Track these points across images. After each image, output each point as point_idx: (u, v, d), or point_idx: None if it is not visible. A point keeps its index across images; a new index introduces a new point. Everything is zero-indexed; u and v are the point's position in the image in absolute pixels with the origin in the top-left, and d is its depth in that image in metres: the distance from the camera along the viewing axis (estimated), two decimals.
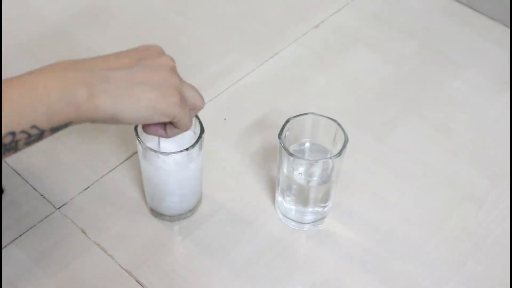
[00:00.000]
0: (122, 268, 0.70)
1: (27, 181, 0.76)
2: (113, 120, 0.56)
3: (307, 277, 0.71)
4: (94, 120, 0.55)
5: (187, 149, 0.66)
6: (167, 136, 0.63)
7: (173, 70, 0.60)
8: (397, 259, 0.72)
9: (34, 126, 0.51)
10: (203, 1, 1.01)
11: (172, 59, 0.61)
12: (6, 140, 0.50)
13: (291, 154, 0.67)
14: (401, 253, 0.72)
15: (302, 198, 0.71)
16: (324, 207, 0.73)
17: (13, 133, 0.50)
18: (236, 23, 0.98)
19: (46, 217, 0.74)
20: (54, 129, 0.53)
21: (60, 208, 0.74)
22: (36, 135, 0.52)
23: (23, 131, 0.51)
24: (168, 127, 0.62)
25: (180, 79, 0.60)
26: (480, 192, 0.78)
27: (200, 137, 0.67)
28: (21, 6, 0.98)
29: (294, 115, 0.70)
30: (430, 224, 0.75)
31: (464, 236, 0.74)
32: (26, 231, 0.72)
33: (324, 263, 0.71)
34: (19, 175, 0.77)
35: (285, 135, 0.69)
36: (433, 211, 0.76)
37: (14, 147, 0.52)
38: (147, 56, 0.59)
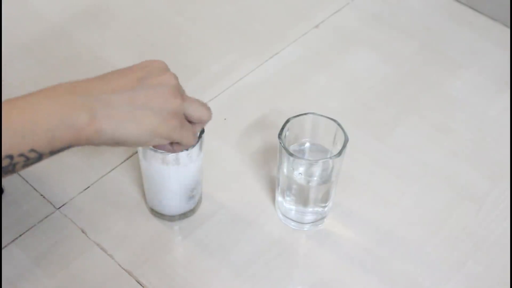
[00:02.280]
0: (122, 268, 0.70)
1: (27, 181, 0.76)
2: (114, 144, 0.56)
3: (307, 277, 0.71)
4: (94, 144, 0.55)
5: (187, 149, 0.66)
6: (173, 151, 0.64)
7: (175, 89, 0.59)
8: (397, 259, 0.72)
9: (33, 150, 0.51)
10: (203, 1, 1.01)
11: (175, 77, 0.60)
12: (4, 163, 0.50)
13: (291, 154, 0.67)
14: (401, 253, 0.72)
15: (302, 198, 0.71)
16: (324, 207, 0.73)
17: (11, 157, 0.50)
18: (236, 23, 0.98)
19: (46, 217, 0.74)
20: (53, 152, 0.53)
21: (60, 208, 0.74)
22: (34, 158, 0.52)
23: (21, 155, 0.51)
24: (174, 144, 0.62)
25: (183, 97, 0.60)
26: (480, 192, 0.78)
27: (200, 137, 0.67)
28: (21, 6, 0.98)
29: (294, 115, 0.70)
30: (430, 224, 0.75)
31: (464, 236, 0.74)
32: (26, 231, 0.72)
33: (324, 263, 0.71)
34: (19, 175, 0.77)
35: (285, 135, 0.69)
36: (433, 211, 0.76)
37: (12, 170, 0.52)
38: (149, 74, 0.58)
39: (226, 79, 0.89)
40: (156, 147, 0.64)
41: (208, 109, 0.63)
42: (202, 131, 0.67)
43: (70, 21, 0.96)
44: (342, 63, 0.92)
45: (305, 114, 0.70)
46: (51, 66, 0.89)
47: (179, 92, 0.60)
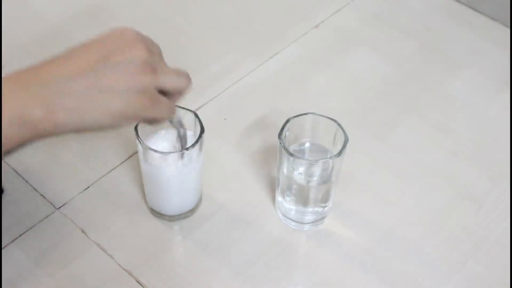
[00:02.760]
0: (122, 268, 0.70)
1: (27, 181, 0.76)
2: (78, 132, 0.52)
3: (307, 277, 0.71)
4: (56, 135, 0.51)
5: (187, 149, 0.66)
6: (150, 125, 0.59)
7: (145, 64, 0.53)
8: (397, 259, 0.72)
9: None
10: (203, 1, 1.01)
11: (146, 49, 0.54)
12: None
13: (291, 154, 0.67)
14: (401, 253, 0.72)
15: (302, 198, 0.71)
16: (324, 207, 0.73)
17: None
18: (236, 23, 0.98)
19: (46, 217, 0.73)
20: (11, 150, 0.50)
21: (60, 208, 0.74)
22: None
23: None
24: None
25: (155, 71, 0.54)
26: (480, 192, 0.78)
27: (200, 137, 0.67)
28: (21, 6, 0.98)
29: (294, 115, 0.70)
30: (430, 224, 0.75)
31: (464, 236, 0.74)
32: (26, 231, 0.72)
33: (324, 263, 0.71)
34: (19, 175, 0.77)
35: (285, 135, 0.69)
36: (433, 211, 0.76)
37: None
38: (114, 49, 0.53)
39: (226, 79, 0.89)
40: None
41: (186, 76, 0.58)
42: (202, 131, 0.67)
43: (70, 21, 0.96)
44: (342, 63, 0.92)
45: (305, 114, 0.70)
46: None
47: (149, 66, 0.53)
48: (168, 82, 0.56)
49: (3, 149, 0.49)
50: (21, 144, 0.50)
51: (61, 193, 0.76)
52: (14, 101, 0.49)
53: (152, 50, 0.55)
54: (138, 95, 0.52)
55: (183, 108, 0.68)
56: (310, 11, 1.00)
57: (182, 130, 0.66)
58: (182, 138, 0.67)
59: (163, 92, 0.56)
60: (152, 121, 0.58)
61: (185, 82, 0.57)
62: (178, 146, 0.68)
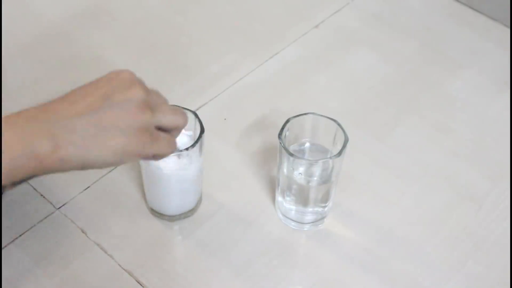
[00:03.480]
0: (122, 268, 0.70)
1: (27, 181, 0.76)
2: (82, 168, 0.54)
3: (307, 277, 0.71)
4: (60, 171, 0.53)
5: (187, 149, 0.66)
6: (154, 160, 0.61)
7: (143, 103, 0.55)
8: (397, 259, 0.72)
9: None
10: (203, 1, 1.01)
11: (143, 89, 0.56)
12: None
13: (291, 154, 0.67)
14: (401, 253, 0.72)
15: (302, 198, 0.71)
16: (324, 207, 0.73)
17: None
18: (236, 23, 0.98)
19: (46, 217, 0.73)
20: (17, 183, 0.51)
21: (60, 208, 0.74)
22: None
23: None
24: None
25: (153, 109, 0.56)
26: (480, 192, 0.78)
27: (200, 137, 0.67)
28: (21, 6, 0.98)
29: (294, 115, 0.70)
30: (430, 224, 0.75)
31: (464, 236, 0.74)
32: (26, 231, 0.72)
33: (324, 263, 0.71)
34: None
35: (285, 135, 0.69)
36: (433, 211, 0.76)
37: None
38: (114, 90, 0.55)
39: (226, 79, 0.89)
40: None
41: (182, 114, 0.60)
42: (202, 131, 0.67)
43: (70, 21, 0.96)
44: (342, 63, 0.92)
45: (305, 114, 0.70)
46: (51, 66, 0.89)
47: (148, 105, 0.56)
48: (165, 120, 0.58)
49: (9, 180, 0.50)
50: (27, 177, 0.52)
51: (61, 193, 0.76)
52: (23, 135, 0.50)
53: (149, 90, 0.57)
54: (138, 132, 0.55)
55: (183, 108, 0.68)
56: (310, 11, 1.00)
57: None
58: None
59: (162, 129, 0.58)
60: (154, 157, 0.60)
61: (182, 120, 0.60)
62: (178, 146, 0.68)
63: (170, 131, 0.59)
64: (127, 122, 0.54)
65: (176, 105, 0.61)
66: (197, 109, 0.83)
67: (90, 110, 0.53)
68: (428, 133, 0.84)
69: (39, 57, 0.91)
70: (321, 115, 0.70)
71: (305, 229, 0.74)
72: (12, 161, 0.49)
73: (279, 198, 0.73)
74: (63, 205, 0.75)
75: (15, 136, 0.50)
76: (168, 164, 0.67)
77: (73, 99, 0.54)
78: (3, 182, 0.50)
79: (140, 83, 0.57)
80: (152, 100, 0.57)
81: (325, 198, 0.72)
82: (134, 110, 0.55)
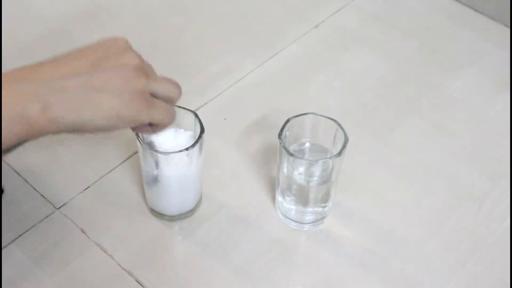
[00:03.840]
0: (122, 268, 0.70)
1: (27, 181, 0.76)
2: (74, 131, 0.52)
3: (307, 277, 0.71)
4: (52, 133, 0.51)
5: (187, 149, 0.66)
6: (154, 132, 0.59)
7: (138, 69, 0.54)
8: (397, 259, 0.72)
9: None
10: (203, 1, 1.01)
11: (137, 56, 0.55)
12: None
13: (291, 154, 0.67)
14: (401, 253, 0.72)
15: (302, 198, 0.71)
16: (324, 207, 0.73)
17: None
18: (236, 23, 0.98)
19: (46, 217, 0.73)
20: (10, 148, 0.51)
21: (60, 208, 0.74)
22: None
23: None
24: (152, 124, 0.58)
25: (147, 76, 0.55)
26: (480, 192, 0.78)
27: (200, 137, 0.67)
28: (21, 6, 0.98)
29: (294, 115, 0.70)
30: (430, 224, 0.75)
31: (464, 236, 0.74)
32: (26, 231, 0.72)
33: (324, 263, 0.71)
34: (19, 175, 0.77)
35: (285, 135, 0.69)
36: (433, 211, 0.76)
37: None
38: (107, 56, 0.54)
39: (226, 79, 0.89)
40: (136, 129, 0.60)
41: (177, 85, 0.58)
42: (202, 131, 0.67)
43: (70, 21, 0.97)
44: (342, 63, 0.92)
45: (305, 114, 0.70)
46: None
47: (142, 71, 0.54)
48: (160, 88, 0.56)
49: (3, 143, 0.49)
50: (19, 141, 0.50)
51: (61, 193, 0.76)
52: (11, 97, 0.49)
53: (143, 60, 0.56)
54: (132, 96, 0.53)
55: (183, 108, 0.68)
56: (310, 11, 1.00)
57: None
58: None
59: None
60: (153, 128, 0.58)
61: (177, 90, 0.58)
62: (178, 146, 0.68)
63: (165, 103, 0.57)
64: (121, 84, 0.52)
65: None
66: (197, 109, 0.83)
67: (82, 72, 0.52)
68: (428, 133, 0.84)
69: (39, 57, 0.90)
70: (321, 115, 0.70)
71: (305, 229, 0.74)
72: (3, 124, 0.48)
73: (279, 198, 0.73)
74: (63, 205, 0.75)
75: (3, 99, 0.49)
76: (168, 164, 0.67)
77: (64, 61, 0.53)
78: None
79: (134, 51, 0.55)
80: (146, 68, 0.56)
81: (325, 198, 0.72)
82: (128, 74, 0.53)
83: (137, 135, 0.66)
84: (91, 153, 0.80)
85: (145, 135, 0.66)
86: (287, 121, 0.69)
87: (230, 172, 0.79)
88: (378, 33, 0.97)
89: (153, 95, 0.56)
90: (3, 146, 0.49)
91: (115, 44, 0.55)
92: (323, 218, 0.74)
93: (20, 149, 0.52)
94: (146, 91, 0.54)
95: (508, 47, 0.95)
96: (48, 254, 0.71)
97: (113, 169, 0.78)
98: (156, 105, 0.55)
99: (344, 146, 0.67)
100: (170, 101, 0.58)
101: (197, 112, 0.69)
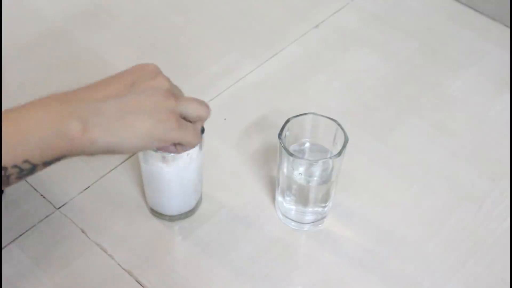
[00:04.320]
0: (122, 268, 0.70)
1: (27, 181, 0.76)
2: (109, 152, 0.55)
3: (307, 277, 0.71)
4: (89, 154, 0.55)
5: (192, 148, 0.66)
6: (178, 152, 0.62)
7: (168, 91, 0.58)
8: (397, 259, 0.72)
9: (26, 161, 0.51)
10: (203, 1, 1.01)
11: (167, 80, 0.59)
12: None
13: (291, 154, 0.67)
14: (401, 253, 0.72)
15: (302, 198, 0.71)
16: (324, 207, 0.73)
17: (4, 168, 0.50)
18: (236, 23, 0.98)
19: (46, 217, 0.74)
20: (47, 163, 0.53)
21: (60, 208, 0.74)
22: (28, 170, 0.52)
23: (15, 166, 0.51)
24: (177, 144, 0.61)
25: (177, 99, 0.58)
26: (480, 192, 0.78)
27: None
28: (21, 6, 0.98)
29: (294, 115, 0.70)
30: (430, 224, 0.75)
31: (464, 236, 0.74)
32: (26, 231, 0.72)
33: (324, 263, 0.71)
34: None
35: (285, 135, 0.69)
36: (433, 211, 0.76)
37: (6, 181, 0.52)
38: (139, 79, 0.57)
39: (226, 79, 0.89)
40: (161, 149, 0.63)
41: (206, 105, 0.61)
42: (202, 131, 0.67)
43: (70, 21, 0.96)
44: (342, 63, 0.92)
45: (305, 114, 0.70)
46: (51, 66, 0.89)
47: (172, 94, 0.58)
48: (190, 109, 0.60)
49: (41, 160, 0.52)
50: (57, 157, 0.53)
51: (61, 193, 0.76)
52: (54, 114, 0.52)
53: (172, 83, 0.60)
54: (163, 116, 0.56)
55: None
56: (310, 11, 1.00)
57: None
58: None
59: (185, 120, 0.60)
60: (179, 148, 0.61)
61: (206, 110, 0.61)
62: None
63: (194, 123, 0.61)
64: (153, 106, 0.56)
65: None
66: None
67: (118, 95, 0.55)
68: (428, 133, 0.84)
69: (39, 57, 0.91)
70: (321, 115, 0.70)
71: (305, 229, 0.74)
72: (44, 140, 0.51)
73: (279, 198, 0.73)
74: (63, 205, 0.75)
75: (46, 116, 0.52)
76: (168, 164, 0.67)
77: (100, 87, 0.56)
78: (35, 161, 0.52)
79: (164, 75, 0.59)
80: (175, 90, 0.60)
81: (325, 198, 0.72)
82: (159, 97, 0.57)
83: None
84: None
85: None
86: (287, 121, 0.69)
87: (230, 172, 0.79)
88: (378, 33, 0.97)
89: (183, 117, 0.59)
90: (43, 160, 0.52)
91: (146, 68, 0.59)
92: (323, 218, 0.74)
93: (54, 164, 0.54)
94: (177, 112, 0.58)
95: (508, 47, 0.95)
96: (48, 254, 0.71)
97: (113, 169, 0.78)
98: (185, 126, 0.59)
99: (344, 146, 0.67)
100: (199, 120, 0.62)
101: None
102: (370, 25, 0.98)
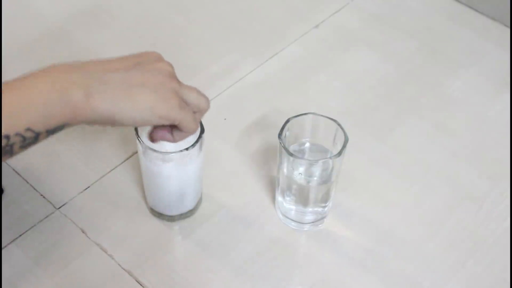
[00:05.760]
0: (122, 268, 0.70)
1: (27, 181, 0.76)
2: (110, 122, 0.55)
3: (307, 277, 0.71)
4: (90, 122, 0.55)
5: (187, 149, 0.66)
6: (174, 140, 0.62)
7: (172, 75, 0.59)
8: (397, 259, 0.72)
9: (29, 129, 0.51)
10: (203, 1, 1.01)
11: (171, 65, 0.60)
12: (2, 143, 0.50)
13: (291, 154, 0.67)
14: (401, 253, 0.72)
15: (302, 198, 0.71)
16: (324, 207, 0.73)
17: (7, 137, 0.50)
18: (236, 23, 0.98)
19: (46, 217, 0.74)
20: (50, 132, 0.53)
21: (60, 208, 0.74)
22: (31, 138, 0.52)
23: (17, 134, 0.51)
24: (174, 131, 0.61)
25: (180, 83, 0.60)
26: (480, 192, 0.78)
27: (200, 137, 0.67)
28: (21, 6, 0.98)
29: (294, 115, 0.70)
30: (430, 224, 0.75)
31: (464, 236, 0.74)
32: (26, 231, 0.72)
33: (324, 263, 0.71)
34: (19, 175, 0.77)
35: (285, 135, 0.69)
36: (433, 211, 0.76)
37: (10, 151, 0.51)
38: (145, 61, 0.59)
39: (226, 79, 0.89)
40: (156, 136, 0.62)
41: (206, 97, 0.62)
42: (202, 131, 0.67)
43: (70, 21, 0.96)
44: (342, 63, 0.92)
45: (305, 114, 0.70)
46: None
47: (176, 77, 0.59)
48: (191, 96, 0.61)
49: (44, 127, 0.52)
50: (60, 125, 0.53)
51: (61, 193, 0.76)
52: (58, 83, 0.53)
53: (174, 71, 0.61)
54: (167, 95, 0.57)
55: None
56: (310, 11, 1.00)
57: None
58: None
59: None
60: (174, 134, 0.62)
61: (206, 102, 0.62)
62: (178, 146, 0.68)
63: (194, 113, 0.61)
64: (158, 84, 0.57)
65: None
66: None
67: (122, 70, 0.56)
68: (428, 133, 0.84)
69: (39, 57, 0.91)
70: (321, 115, 0.70)
71: (305, 229, 0.74)
72: (46, 107, 0.51)
73: (279, 198, 0.73)
74: (63, 205, 0.75)
75: (49, 84, 0.52)
76: (168, 164, 0.67)
77: (108, 61, 0.57)
78: (38, 129, 0.52)
79: (167, 61, 0.60)
80: (177, 77, 0.60)
81: (325, 198, 0.72)
82: (164, 77, 0.58)
83: (137, 135, 0.66)
84: (91, 153, 0.80)
85: (144, 139, 0.66)
86: (287, 121, 0.69)
87: (230, 172, 0.79)
88: (378, 33, 0.97)
89: (184, 101, 0.60)
90: (47, 127, 0.52)
91: (151, 54, 0.60)
92: (323, 218, 0.74)
93: (58, 132, 0.54)
94: (179, 94, 0.59)
95: (508, 47, 0.95)
96: (48, 254, 0.71)
97: (113, 169, 0.78)
98: (186, 109, 0.60)
99: (344, 146, 0.67)
100: (199, 111, 0.62)
101: None
102: (370, 25, 0.98)
